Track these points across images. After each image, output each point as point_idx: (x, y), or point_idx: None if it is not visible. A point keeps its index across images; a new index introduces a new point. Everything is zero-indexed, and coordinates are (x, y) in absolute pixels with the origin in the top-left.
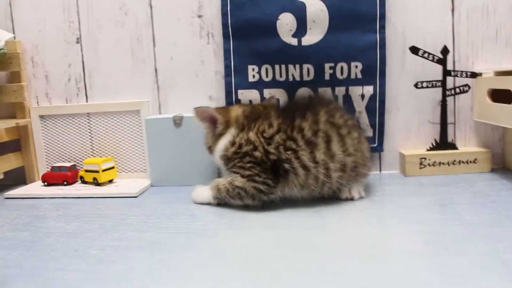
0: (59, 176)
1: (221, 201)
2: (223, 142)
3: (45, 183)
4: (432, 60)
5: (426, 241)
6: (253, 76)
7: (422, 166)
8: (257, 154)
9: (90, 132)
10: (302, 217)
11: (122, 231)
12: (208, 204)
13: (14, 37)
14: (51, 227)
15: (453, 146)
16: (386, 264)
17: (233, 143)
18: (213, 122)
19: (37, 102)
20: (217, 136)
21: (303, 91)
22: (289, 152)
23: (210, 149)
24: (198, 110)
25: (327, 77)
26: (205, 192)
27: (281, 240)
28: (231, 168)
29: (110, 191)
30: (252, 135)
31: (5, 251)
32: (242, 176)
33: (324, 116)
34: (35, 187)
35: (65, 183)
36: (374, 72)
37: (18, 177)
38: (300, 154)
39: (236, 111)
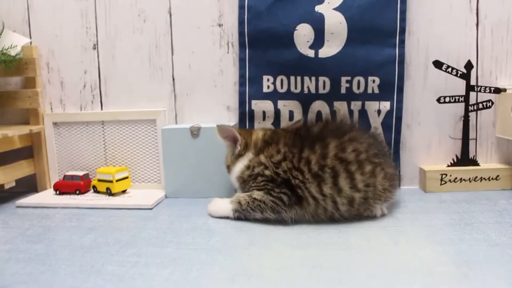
0: (72, 185)
1: (241, 215)
2: (240, 165)
3: (57, 192)
4: (456, 75)
5: (455, 262)
6: (268, 87)
7: (443, 182)
8: (267, 172)
9: (104, 141)
10: (326, 235)
11: (139, 246)
12: (226, 218)
13: (31, 42)
14: (66, 240)
15: (474, 163)
16: (418, 286)
17: (248, 167)
18: (234, 142)
19: (51, 109)
20: (236, 157)
21: (319, 104)
22: (297, 181)
23: (228, 168)
24: (220, 128)
25: (343, 90)
26: (224, 205)
27: (307, 258)
28: (247, 189)
29: (124, 202)
30: (262, 157)
31: (20, 264)
32: (259, 190)
33: (333, 151)
34: (47, 196)
35: (77, 192)
36: (392, 88)
37: (29, 185)
38: (308, 185)
39: (257, 134)
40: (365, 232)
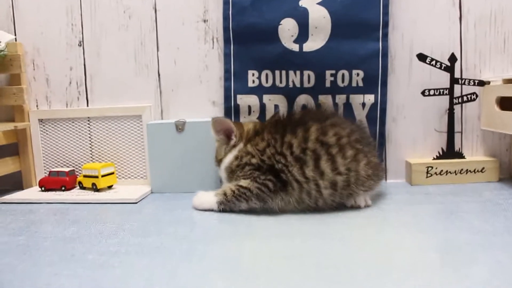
0: (57, 181)
1: (226, 207)
2: (230, 156)
3: (43, 188)
4: (440, 68)
5: (438, 249)
6: (253, 81)
7: (429, 175)
8: (254, 161)
9: (90, 137)
10: (309, 226)
11: (121, 237)
12: (210, 210)
13: (16, 39)
14: (48, 232)
15: (460, 155)
16: (402, 274)
17: (237, 157)
18: (228, 135)
19: (37, 106)
20: (229, 149)
21: (304, 98)
22: (280, 165)
23: (220, 161)
24: (216, 120)
25: (327, 84)
26: (208, 198)
27: (289, 248)
28: (235, 179)
29: (109, 197)
30: (249, 147)
31: (0, 255)
32: (245, 179)
33: (315, 134)
34: (32, 192)
35: (63, 188)
36: (376, 81)
37: (15, 182)
38: (290, 168)
39: (247, 126)
40: (348, 222)
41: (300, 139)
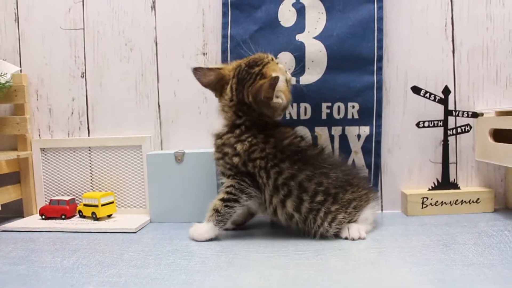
0: (58, 210)
1: (224, 220)
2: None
3: (43, 217)
4: (434, 100)
5: (431, 281)
6: None
7: (424, 205)
8: (236, 160)
9: (90, 166)
10: (305, 257)
11: (120, 267)
12: (210, 240)
13: (21, 70)
14: (48, 262)
15: (455, 186)
16: None
17: (219, 136)
18: (220, 81)
19: (39, 135)
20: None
21: (301, 130)
22: (260, 180)
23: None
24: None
25: (324, 116)
26: (202, 226)
27: (285, 278)
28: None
29: (108, 226)
30: (238, 146)
31: (0, 285)
32: (225, 177)
33: (302, 177)
34: (32, 221)
35: (63, 217)
36: (371, 113)
37: (15, 210)
38: (265, 188)
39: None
40: (344, 253)
41: (289, 173)
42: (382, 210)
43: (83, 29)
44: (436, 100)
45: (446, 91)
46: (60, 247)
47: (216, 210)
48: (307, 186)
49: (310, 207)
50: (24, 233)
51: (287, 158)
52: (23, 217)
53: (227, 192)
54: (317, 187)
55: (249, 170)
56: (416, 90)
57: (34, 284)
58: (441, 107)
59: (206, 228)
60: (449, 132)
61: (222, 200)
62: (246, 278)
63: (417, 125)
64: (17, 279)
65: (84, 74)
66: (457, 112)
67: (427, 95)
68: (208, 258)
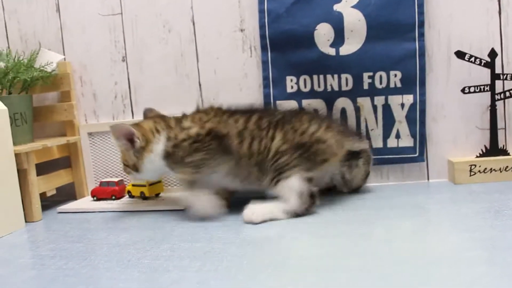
0: (108, 191)
1: (192, 186)
2: (158, 146)
3: (94, 198)
4: (480, 64)
5: (483, 247)
6: (292, 87)
7: (472, 173)
8: (193, 131)
9: None
10: (353, 227)
11: (173, 242)
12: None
13: (64, 59)
14: (103, 239)
15: (504, 152)
16: (448, 272)
17: (169, 138)
18: (130, 139)
19: (86, 120)
20: (140, 150)
21: (343, 101)
22: (224, 131)
23: (135, 166)
24: (113, 128)
25: (365, 86)
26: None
27: (334, 248)
28: (180, 165)
29: (157, 205)
30: (186, 123)
31: (63, 260)
32: (194, 154)
33: (254, 119)
34: (85, 202)
35: (113, 197)
36: (414, 81)
37: (68, 193)
38: (232, 138)
39: (147, 123)
40: (390, 222)
41: (244, 119)
42: (428, 179)
43: (121, 14)
44: (482, 64)
45: (492, 53)
46: (112, 225)
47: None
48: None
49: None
50: (79, 214)
51: (231, 115)
52: (76, 199)
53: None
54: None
55: (209, 128)
56: (460, 54)
57: (93, 259)
58: (487, 71)
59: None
60: (497, 97)
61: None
62: (296, 248)
63: (462, 90)
64: (78, 255)
65: (124, 58)
66: (505, 75)
67: (472, 59)
68: (257, 230)
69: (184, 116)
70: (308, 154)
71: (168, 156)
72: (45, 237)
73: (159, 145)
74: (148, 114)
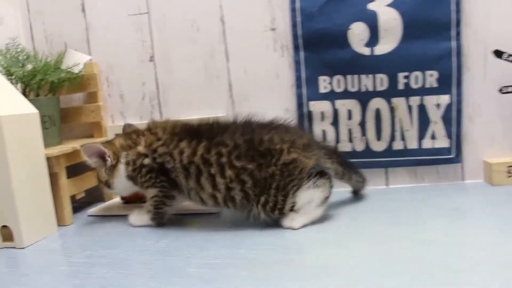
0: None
1: (158, 219)
2: (121, 169)
3: (124, 201)
4: None
5: None
6: (325, 87)
7: (510, 174)
8: (146, 161)
9: None
10: (390, 230)
11: (214, 248)
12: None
13: (91, 59)
14: (141, 245)
15: None
16: (486, 275)
17: (128, 163)
18: (102, 157)
19: (113, 121)
20: (111, 168)
21: (377, 102)
22: (169, 166)
23: (107, 183)
24: (85, 147)
25: (401, 86)
26: (141, 215)
27: (384, 253)
28: (141, 185)
29: (190, 208)
30: (140, 148)
31: (104, 269)
32: (149, 188)
33: (201, 150)
34: (115, 205)
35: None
36: (450, 81)
37: (97, 195)
38: (178, 173)
39: (118, 140)
40: (429, 225)
41: (191, 150)
42: (463, 179)
43: (148, 13)
44: None
45: None
46: (148, 230)
47: (149, 211)
48: (207, 158)
49: (224, 181)
50: (109, 218)
51: (185, 136)
52: (104, 201)
53: (153, 200)
54: (219, 157)
55: (159, 162)
56: (498, 53)
57: (135, 268)
58: None
59: (142, 217)
60: None
61: (153, 207)
62: (345, 255)
63: (500, 90)
64: (118, 263)
65: (152, 58)
66: None
67: (511, 58)
68: (302, 235)
69: (142, 133)
70: (286, 178)
71: (130, 178)
72: (80, 243)
73: (123, 165)
74: (127, 129)
